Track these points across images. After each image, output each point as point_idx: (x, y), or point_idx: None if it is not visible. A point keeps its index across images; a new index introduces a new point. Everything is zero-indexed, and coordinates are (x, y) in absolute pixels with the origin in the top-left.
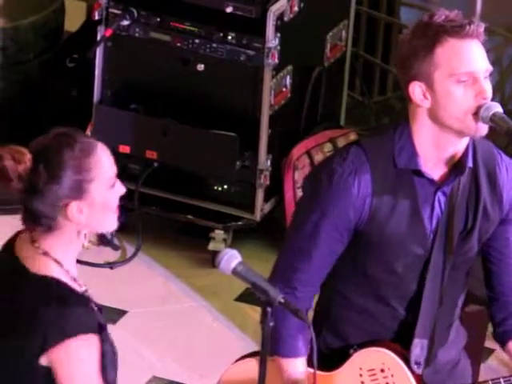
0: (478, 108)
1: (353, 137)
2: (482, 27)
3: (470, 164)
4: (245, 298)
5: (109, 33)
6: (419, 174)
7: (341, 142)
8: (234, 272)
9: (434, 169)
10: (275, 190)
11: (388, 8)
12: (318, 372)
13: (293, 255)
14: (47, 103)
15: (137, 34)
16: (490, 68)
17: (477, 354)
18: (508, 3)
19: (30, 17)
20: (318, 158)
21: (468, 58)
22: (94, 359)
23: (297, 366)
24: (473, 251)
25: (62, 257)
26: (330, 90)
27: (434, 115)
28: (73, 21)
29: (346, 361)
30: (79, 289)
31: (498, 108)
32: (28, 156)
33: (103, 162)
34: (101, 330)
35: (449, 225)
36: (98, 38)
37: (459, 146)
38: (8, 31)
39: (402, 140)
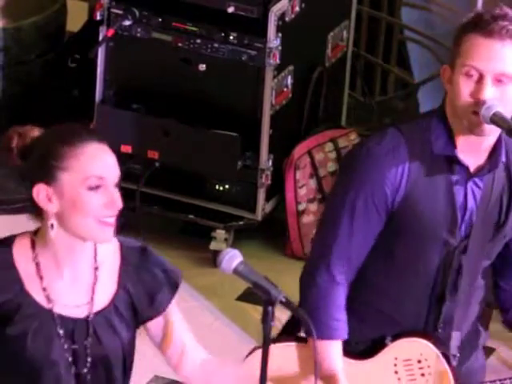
0: (475, 106)
1: (353, 136)
2: (507, 28)
3: (503, 158)
4: (246, 297)
5: (110, 33)
6: (455, 160)
7: (342, 142)
8: (236, 271)
9: (469, 158)
10: (276, 189)
11: (389, 8)
12: (351, 360)
13: (333, 241)
14: (49, 103)
15: (138, 34)
16: (506, 72)
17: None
18: (509, 2)
19: (31, 17)
20: (319, 157)
21: (479, 54)
22: None
23: (333, 348)
24: (499, 246)
25: (41, 251)
26: (331, 90)
27: (450, 102)
28: (75, 21)
29: (381, 350)
30: (35, 285)
31: (498, 108)
32: (33, 133)
33: (85, 158)
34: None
35: (481, 217)
36: (100, 38)
37: (486, 139)
38: (10, 31)
39: (440, 126)
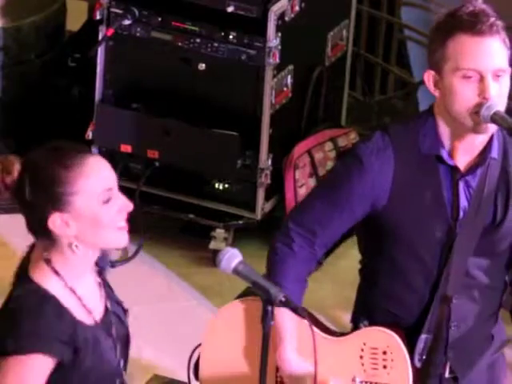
0: (479, 106)
1: (353, 136)
2: (497, 25)
3: (494, 155)
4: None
5: (110, 32)
6: (442, 160)
7: (341, 141)
8: (235, 271)
9: (457, 157)
10: (276, 189)
11: (389, 7)
12: (321, 333)
13: (306, 204)
14: (49, 103)
15: (138, 34)
16: (505, 67)
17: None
18: (509, 2)
19: (31, 17)
20: (319, 157)
21: (475, 55)
22: (25, 380)
23: (280, 317)
24: (505, 242)
25: (63, 271)
26: (330, 89)
27: (443, 106)
28: (74, 20)
29: (353, 331)
30: (77, 308)
31: (499, 107)
32: (17, 166)
33: (91, 176)
34: (75, 350)
35: (472, 215)
36: (100, 37)
37: (478, 138)
38: (10, 31)
39: (427, 126)
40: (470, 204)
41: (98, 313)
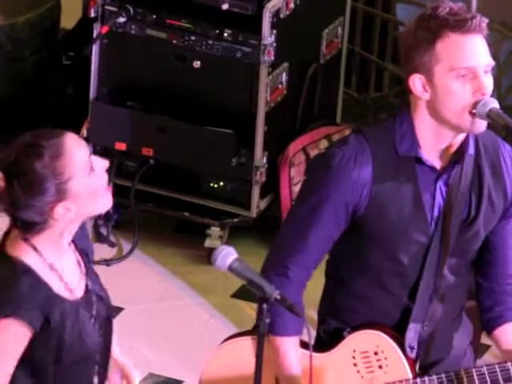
0: (476, 104)
1: (348, 133)
2: (484, 22)
3: (471, 152)
4: (241, 294)
5: (105, 30)
6: (420, 161)
7: (336, 139)
8: (230, 269)
9: (435, 157)
10: (271, 186)
11: (384, 4)
12: (312, 353)
13: (289, 237)
14: (43, 100)
15: (133, 31)
16: (492, 63)
17: (473, 349)
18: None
19: (25, 14)
20: (314, 154)
21: (468, 53)
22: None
23: (289, 345)
24: (477, 240)
25: (42, 247)
26: (326, 86)
27: (432, 108)
28: (69, 18)
29: (339, 342)
30: (57, 283)
31: (494, 104)
32: (1, 184)
33: (74, 156)
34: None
35: (448, 212)
36: (94, 35)
37: (459, 137)
38: (4, 28)
39: (403, 128)
40: (445, 202)
41: (79, 290)
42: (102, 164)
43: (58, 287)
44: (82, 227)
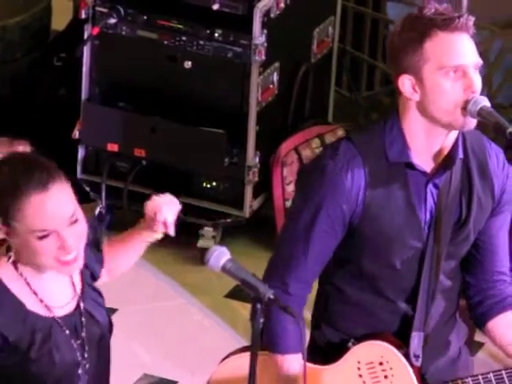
0: (467, 102)
1: (340, 132)
2: (471, 21)
3: (460, 155)
4: (234, 294)
5: (96, 31)
6: (411, 166)
7: (329, 138)
8: (224, 269)
9: (425, 161)
10: (264, 186)
11: (375, 3)
12: (315, 366)
13: (287, 254)
14: (35, 102)
15: (124, 32)
16: (480, 62)
17: (467, 347)
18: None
19: (17, 16)
20: (306, 154)
21: (457, 52)
22: None
23: (292, 362)
24: (468, 242)
25: (23, 265)
26: (317, 86)
27: (423, 108)
28: (60, 20)
29: (343, 354)
30: (31, 300)
31: (485, 102)
32: None
33: (31, 215)
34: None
35: (440, 216)
36: (85, 36)
37: (449, 138)
38: None
39: (393, 133)
40: (436, 205)
41: (60, 309)
42: (63, 245)
43: (32, 302)
44: (90, 247)
